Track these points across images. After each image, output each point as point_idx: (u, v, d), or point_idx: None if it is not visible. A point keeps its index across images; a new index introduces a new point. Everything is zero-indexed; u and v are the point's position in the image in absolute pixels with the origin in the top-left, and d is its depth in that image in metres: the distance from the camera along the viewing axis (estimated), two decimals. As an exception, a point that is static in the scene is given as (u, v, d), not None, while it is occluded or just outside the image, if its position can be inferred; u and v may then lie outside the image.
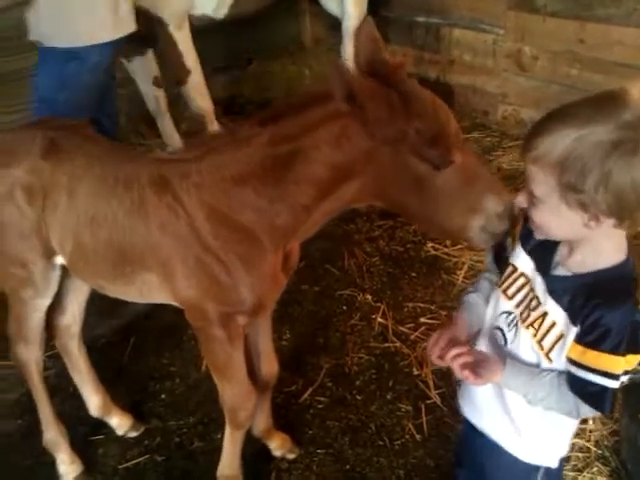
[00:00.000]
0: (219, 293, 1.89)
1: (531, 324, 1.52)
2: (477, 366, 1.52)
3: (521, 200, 1.47)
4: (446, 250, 3.67)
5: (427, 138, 1.58)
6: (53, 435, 2.45)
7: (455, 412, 2.66)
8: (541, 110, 1.46)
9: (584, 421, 2.54)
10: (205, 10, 4.08)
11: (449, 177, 1.63)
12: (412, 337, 3.07)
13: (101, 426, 2.67)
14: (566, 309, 1.45)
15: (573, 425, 1.65)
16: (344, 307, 3.33)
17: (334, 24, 5.53)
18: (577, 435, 2.49)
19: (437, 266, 3.58)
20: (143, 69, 4.23)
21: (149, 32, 3.80)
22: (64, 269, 2.18)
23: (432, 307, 3.27)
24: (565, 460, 2.37)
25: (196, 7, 4.00)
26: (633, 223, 1.37)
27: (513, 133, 4.91)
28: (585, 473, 2.38)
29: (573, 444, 2.45)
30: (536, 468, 1.66)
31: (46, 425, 2.45)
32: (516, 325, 1.57)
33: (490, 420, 1.69)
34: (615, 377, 1.39)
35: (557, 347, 1.48)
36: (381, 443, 2.58)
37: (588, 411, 1.46)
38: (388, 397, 2.79)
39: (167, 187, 1.86)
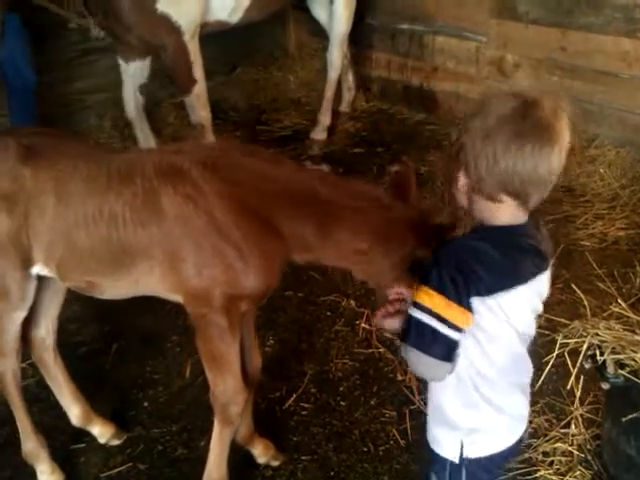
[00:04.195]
0: (232, 279, 1.91)
1: None
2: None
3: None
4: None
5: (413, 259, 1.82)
6: (32, 446, 2.41)
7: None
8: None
9: (566, 425, 2.57)
10: (220, 16, 4.09)
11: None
12: (396, 343, 3.08)
13: (83, 434, 2.64)
14: None
15: (470, 424, 1.65)
16: (328, 313, 3.33)
17: (317, 31, 5.56)
18: (560, 439, 2.51)
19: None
20: (137, 73, 4.24)
21: (161, 40, 3.81)
22: (39, 280, 2.15)
23: (416, 313, 3.27)
24: (549, 464, 2.42)
25: (212, 13, 4.01)
26: (480, 187, 1.48)
27: (495, 139, 4.95)
28: (568, 477, 2.38)
29: (555, 448, 2.48)
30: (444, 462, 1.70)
31: (25, 436, 2.40)
32: None
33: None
34: (415, 305, 1.49)
35: None
36: (365, 449, 2.58)
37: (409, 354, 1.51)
38: (372, 403, 2.79)
39: (184, 177, 1.88)
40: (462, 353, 1.53)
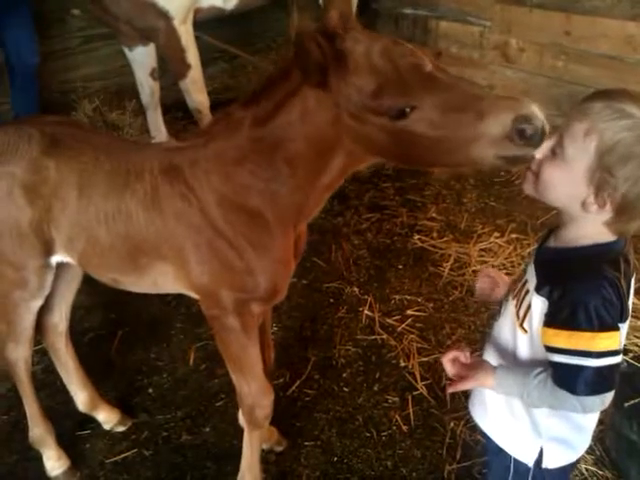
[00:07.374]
0: (233, 278, 1.89)
1: (516, 294, 1.55)
2: (469, 369, 1.57)
3: (545, 147, 1.41)
4: (433, 242, 3.69)
5: (368, 93, 1.52)
6: (39, 432, 2.43)
7: (441, 403, 2.69)
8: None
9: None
10: (214, 1, 4.05)
11: (425, 117, 1.49)
12: (399, 329, 3.09)
13: (88, 421, 2.66)
14: (537, 276, 1.48)
15: (555, 433, 1.59)
16: (331, 300, 3.33)
17: (321, 17, 5.51)
18: (562, 424, 2.51)
19: (424, 258, 3.59)
20: (143, 59, 4.22)
21: (149, 26, 3.80)
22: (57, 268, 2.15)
23: (419, 299, 3.28)
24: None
25: None
26: (622, 226, 1.38)
27: (500, 125, 4.93)
28: (570, 462, 2.39)
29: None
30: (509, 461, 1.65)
31: (33, 422, 2.43)
32: (507, 299, 1.61)
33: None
34: (590, 355, 1.35)
35: (528, 316, 1.48)
36: (368, 434, 2.59)
37: (591, 402, 1.39)
38: (375, 389, 2.80)
39: (178, 175, 1.87)
40: None
